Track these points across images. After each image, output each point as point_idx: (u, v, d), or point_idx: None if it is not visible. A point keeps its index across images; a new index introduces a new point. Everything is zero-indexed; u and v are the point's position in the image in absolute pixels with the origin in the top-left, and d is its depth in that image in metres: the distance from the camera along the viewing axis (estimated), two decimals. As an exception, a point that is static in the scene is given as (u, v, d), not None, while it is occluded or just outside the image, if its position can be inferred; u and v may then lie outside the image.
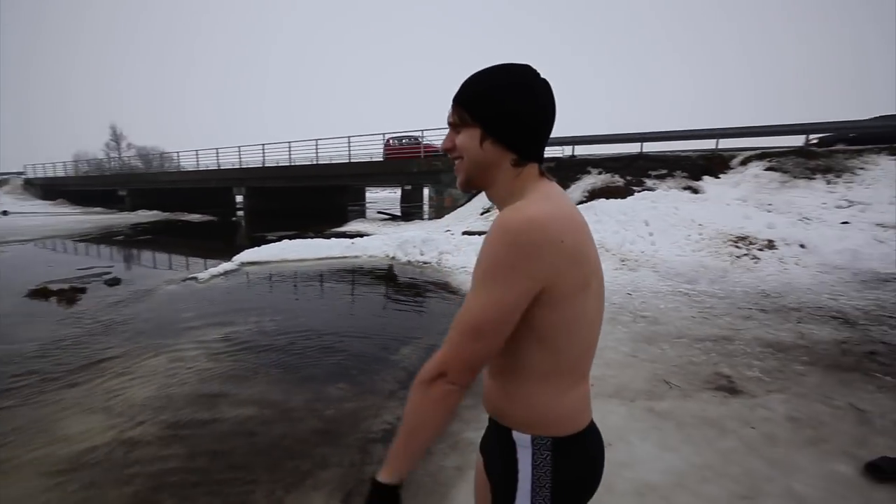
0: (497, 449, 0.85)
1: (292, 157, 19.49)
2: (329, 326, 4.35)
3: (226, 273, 7.05)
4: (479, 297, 0.72)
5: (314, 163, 18.74)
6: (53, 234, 13.85)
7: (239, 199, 23.70)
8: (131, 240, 12.64)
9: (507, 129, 0.78)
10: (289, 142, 19.21)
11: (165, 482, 2.10)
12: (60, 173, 31.54)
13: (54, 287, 6.03)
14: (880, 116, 13.07)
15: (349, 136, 17.31)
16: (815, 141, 12.88)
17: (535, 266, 0.70)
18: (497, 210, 0.82)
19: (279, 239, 9.51)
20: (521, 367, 0.79)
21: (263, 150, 20.09)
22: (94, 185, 27.94)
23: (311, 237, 10.17)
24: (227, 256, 8.00)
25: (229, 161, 22.04)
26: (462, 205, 14.02)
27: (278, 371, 3.29)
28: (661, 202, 8.64)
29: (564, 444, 0.79)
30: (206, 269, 7.07)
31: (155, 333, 4.21)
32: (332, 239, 9.24)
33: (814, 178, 10.27)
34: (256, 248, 8.49)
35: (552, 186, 0.80)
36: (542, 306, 0.73)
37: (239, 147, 21.04)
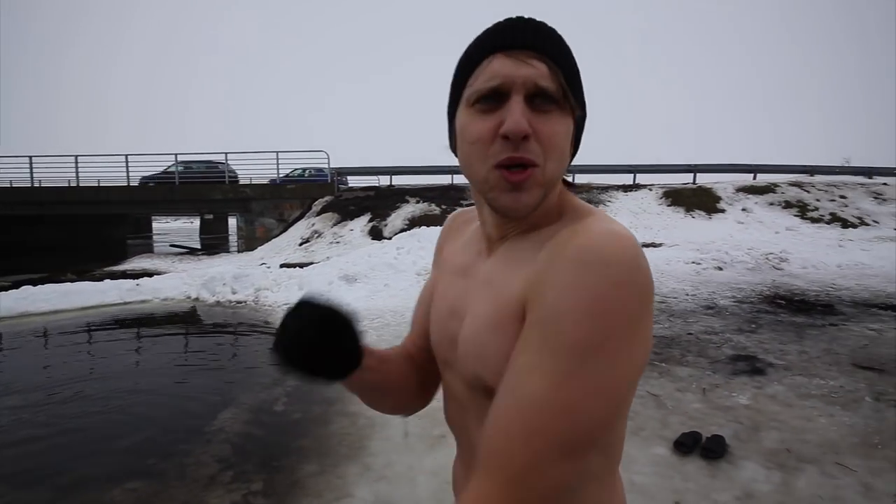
0: None
1: (38, 176, 14.90)
2: (108, 399, 3.24)
3: (-89, 343, 4.73)
4: (579, 377, 0.41)
5: (74, 185, 14.73)
6: None
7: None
8: None
9: (583, 125, 0.54)
10: (30, 156, 14.65)
11: None
12: None
13: None
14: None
15: (126, 155, 14.24)
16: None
17: (651, 315, 0.45)
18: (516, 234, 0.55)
19: (15, 285, 6.95)
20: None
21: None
22: None
23: (73, 280, 7.78)
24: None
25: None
26: (277, 235, 12.88)
27: (23, 480, 2.22)
28: (476, 228, 9.49)
29: None
30: None
31: None
32: (107, 281, 7.21)
33: (581, 207, 12.88)
34: (-28, 300, 6.01)
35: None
36: None
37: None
